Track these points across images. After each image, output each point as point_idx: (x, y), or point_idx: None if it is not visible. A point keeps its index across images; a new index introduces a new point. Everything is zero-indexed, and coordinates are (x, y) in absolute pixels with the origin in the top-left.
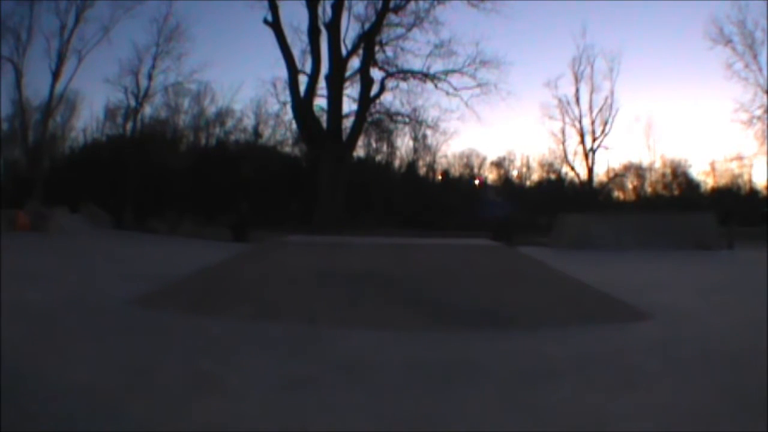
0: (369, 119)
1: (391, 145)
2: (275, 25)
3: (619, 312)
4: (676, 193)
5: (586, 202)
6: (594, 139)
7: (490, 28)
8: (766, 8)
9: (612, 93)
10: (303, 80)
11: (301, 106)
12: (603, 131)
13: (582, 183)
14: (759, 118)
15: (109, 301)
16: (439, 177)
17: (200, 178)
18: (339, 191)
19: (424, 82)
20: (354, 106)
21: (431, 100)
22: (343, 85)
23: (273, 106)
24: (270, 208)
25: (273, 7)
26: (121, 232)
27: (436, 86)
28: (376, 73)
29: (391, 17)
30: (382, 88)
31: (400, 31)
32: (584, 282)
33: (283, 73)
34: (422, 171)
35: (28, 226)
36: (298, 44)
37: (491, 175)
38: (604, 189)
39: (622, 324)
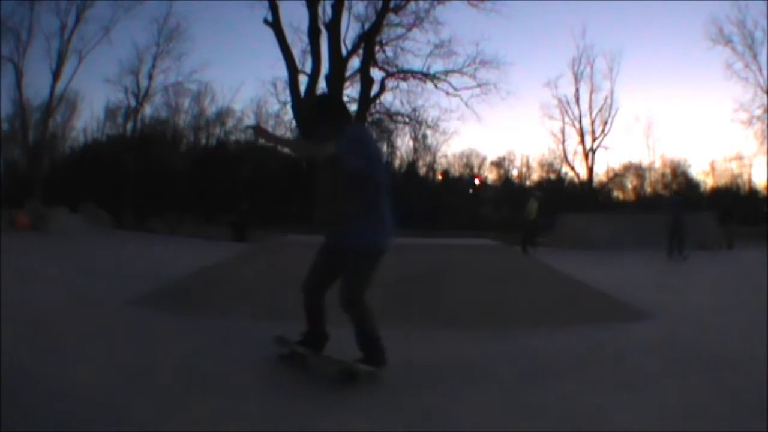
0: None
1: (391, 145)
2: (275, 25)
3: (619, 312)
4: None
5: (586, 202)
6: (594, 139)
7: (490, 28)
8: (766, 8)
9: (612, 93)
10: (303, 80)
11: (301, 106)
12: (603, 131)
13: (582, 183)
14: (759, 118)
15: (109, 301)
16: (439, 177)
17: (200, 178)
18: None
19: (424, 82)
20: (354, 106)
21: (431, 100)
22: (343, 85)
23: (273, 106)
24: (270, 208)
25: (273, 7)
26: (121, 232)
27: (436, 86)
28: (376, 73)
29: (391, 17)
30: (382, 88)
31: (400, 31)
32: (584, 282)
33: (283, 73)
34: (422, 171)
35: (28, 226)
36: (298, 44)
37: (491, 175)
38: (604, 189)
39: (623, 324)
